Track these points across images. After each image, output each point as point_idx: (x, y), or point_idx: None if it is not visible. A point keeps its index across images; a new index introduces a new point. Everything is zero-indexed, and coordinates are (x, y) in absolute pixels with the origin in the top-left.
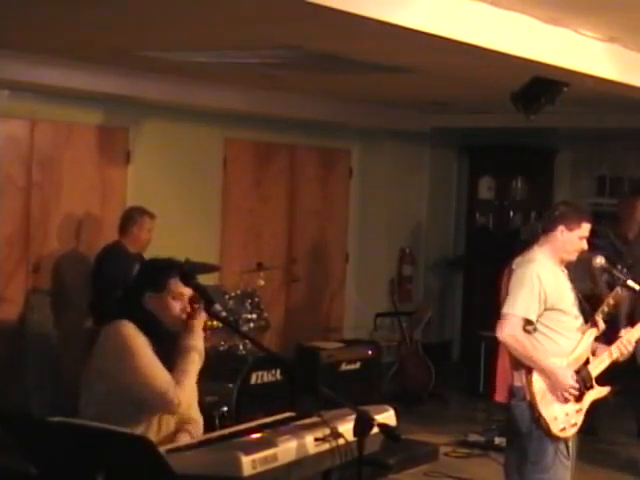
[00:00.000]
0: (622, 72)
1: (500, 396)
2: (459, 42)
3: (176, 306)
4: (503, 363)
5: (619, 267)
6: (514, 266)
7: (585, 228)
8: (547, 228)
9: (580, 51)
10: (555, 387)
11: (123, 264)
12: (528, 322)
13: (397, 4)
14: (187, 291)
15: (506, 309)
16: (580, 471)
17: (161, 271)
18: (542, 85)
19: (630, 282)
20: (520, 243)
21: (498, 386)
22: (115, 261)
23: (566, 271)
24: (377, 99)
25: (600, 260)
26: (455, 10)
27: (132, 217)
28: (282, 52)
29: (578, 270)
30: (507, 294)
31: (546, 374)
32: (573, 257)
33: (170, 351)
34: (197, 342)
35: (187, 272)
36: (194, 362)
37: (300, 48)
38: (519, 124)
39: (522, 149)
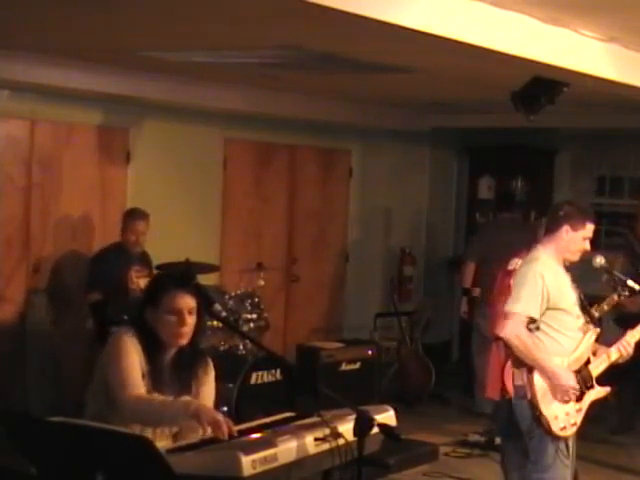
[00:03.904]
0: (622, 72)
1: (492, 393)
2: (459, 42)
3: (171, 320)
4: (495, 360)
5: None
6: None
7: (589, 229)
8: (551, 228)
9: (580, 51)
10: (556, 388)
11: (122, 264)
12: (531, 320)
13: (397, 4)
14: (186, 305)
15: (509, 307)
16: (580, 471)
17: (158, 287)
18: (542, 85)
19: (630, 282)
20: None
21: (490, 383)
22: (114, 262)
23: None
24: (377, 99)
25: (600, 260)
26: (455, 10)
27: (123, 220)
28: (282, 52)
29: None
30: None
31: (547, 374)
32: (576, 257)
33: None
34: (193, 410)
35: (190, 282)
36: (173, 411)
37: (300, 48)
38: (519, 124)
39: (522, 149)
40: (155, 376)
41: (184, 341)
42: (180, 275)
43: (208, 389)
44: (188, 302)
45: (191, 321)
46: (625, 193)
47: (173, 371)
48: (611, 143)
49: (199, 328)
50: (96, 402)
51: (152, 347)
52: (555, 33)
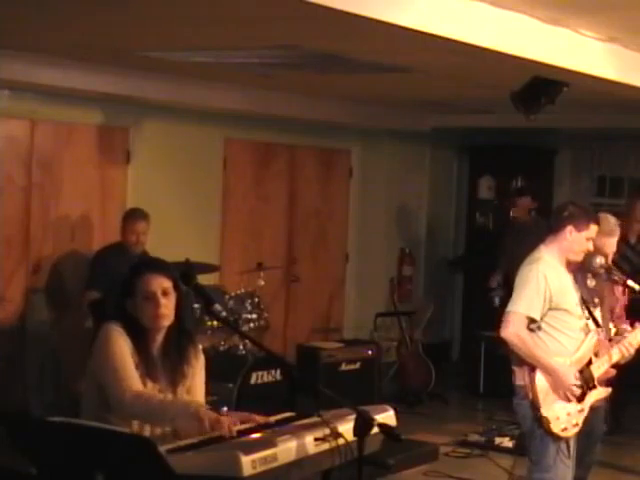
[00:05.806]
0: (622, 72)
1: None
2: (459, 42)
3: (147, 304)
4: None
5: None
6: None
7: (593, 229)
8: (555, 228)
9: (580, 51)
10: (557, 385)
11: (123, 264)
12: (532, 320)
13: (397, 4)
14: (159, 285)
15: (510, 307)
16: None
17: (130, 276)
18: (542, 85)
19: (630, 282)
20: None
21: None
22: (115, 261)
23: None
24: (377, 99)
25: (600, 260)
26: (455, 10)
27: (123, 220)
28: (282, 52)
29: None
30: None
31: (548, 372)
32: (579, 258)
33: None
34: (193, 412)
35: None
36: (173, 411)
37: (300, 48)
38: (519, 124)
39: (522, 149)
40: (147, 365)
41: (165, 322)
42: (152, 258)
43: (199, 373)
44: (161, 282)
45: (167, 301)
46: (625, 193)
47: (164, 357)
48: (611, 143)
49: (180, 307)
50: (90, 400)
51: (138, 336)
52: (555, 33)
